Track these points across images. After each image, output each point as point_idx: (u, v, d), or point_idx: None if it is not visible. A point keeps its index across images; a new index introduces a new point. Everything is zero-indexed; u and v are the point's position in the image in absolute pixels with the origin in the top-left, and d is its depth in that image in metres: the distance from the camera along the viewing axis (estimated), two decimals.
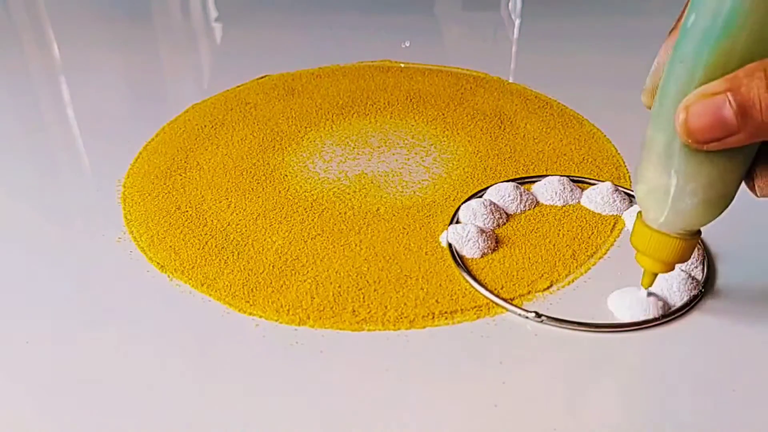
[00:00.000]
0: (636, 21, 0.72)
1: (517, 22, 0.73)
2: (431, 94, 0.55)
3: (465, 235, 0.38)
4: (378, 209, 0.42)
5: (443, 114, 0.52)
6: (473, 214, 0.40)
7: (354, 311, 0.34)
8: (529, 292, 0.35)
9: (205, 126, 0.51)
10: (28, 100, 0.58)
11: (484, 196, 0.42)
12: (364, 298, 0.35)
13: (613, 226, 0.40)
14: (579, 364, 0.32)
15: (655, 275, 0.32)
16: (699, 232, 0.30)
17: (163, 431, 0.29)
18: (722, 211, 0.28)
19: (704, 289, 0.35)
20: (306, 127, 0.51)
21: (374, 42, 0.66)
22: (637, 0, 0.78)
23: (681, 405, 0.30)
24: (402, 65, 0.61)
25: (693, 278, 0.35)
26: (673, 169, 0.27)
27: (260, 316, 0.34)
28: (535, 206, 0.42)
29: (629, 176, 0.45)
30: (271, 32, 0.70)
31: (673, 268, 0.31)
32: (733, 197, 0.28)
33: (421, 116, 0.52)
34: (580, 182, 0.44)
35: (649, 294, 0.34)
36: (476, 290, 0.35)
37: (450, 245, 0.38)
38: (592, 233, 0.40)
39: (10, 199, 0.44)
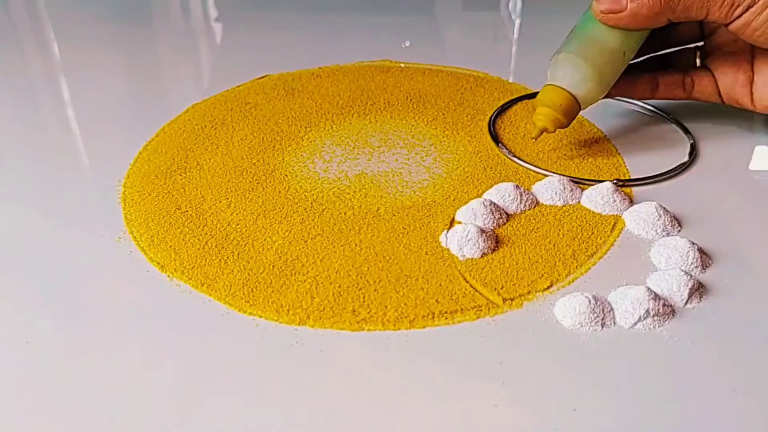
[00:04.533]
0: None
1: (517, 22, 0.73)
2: (431, 94, 0.55)
3: (465, 236, 0.38)
4: (378, 209, 0.42)
5: (443, 114, 0.52)
6: (473, 214, 0.40)
7: (354, 311, 0.34)
8: (529, 292, 0.35)
9: (205, 126, 0.51)
10: (28, 100, 0.58)
11: (484, 196, 0.42)
12: (364, 298, 0.35)
13: (613, 226, 0.40)
14: (579, 364, 0.32)
15: (543, 130, 0.44)
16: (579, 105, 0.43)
17: None
18: (597, 88, 0.43)
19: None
20: (306, 127, 0.51)
21: (374, 42, 0.66)
22: None
23: (681, 405, 0.30)
24: (402, 65, 0.61)
25: (693, 278, 0.35)
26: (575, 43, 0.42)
27: (260, 316, 0.34)
28: (535, 206, 0.42)
29: (630, 176, 0.45)
30: (271, 32, 0.70)
31: (559, 125, 0.44)
32: (609, 84, 0.43)
33: (421, 116, 0.52)
34: (580, 182, 0.44)
35: (649, 294, 0.34)
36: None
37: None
38: (592, 233, 0.40)
39: (9, 199, 0.44)
